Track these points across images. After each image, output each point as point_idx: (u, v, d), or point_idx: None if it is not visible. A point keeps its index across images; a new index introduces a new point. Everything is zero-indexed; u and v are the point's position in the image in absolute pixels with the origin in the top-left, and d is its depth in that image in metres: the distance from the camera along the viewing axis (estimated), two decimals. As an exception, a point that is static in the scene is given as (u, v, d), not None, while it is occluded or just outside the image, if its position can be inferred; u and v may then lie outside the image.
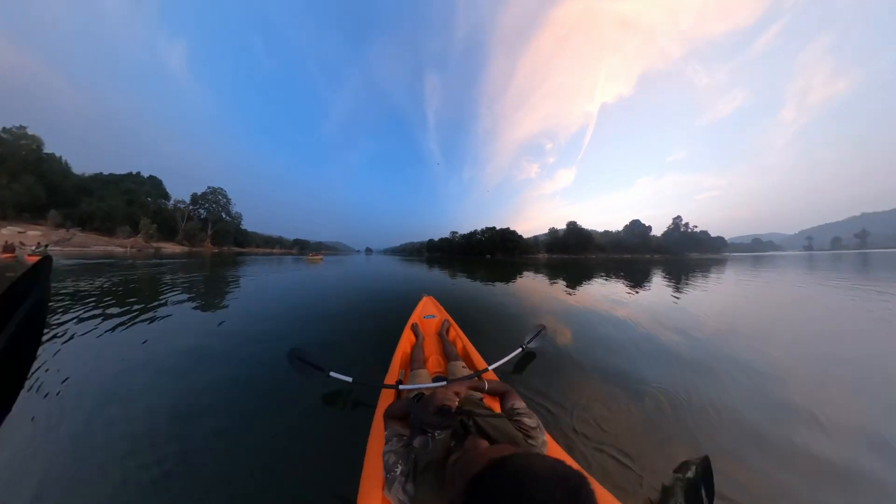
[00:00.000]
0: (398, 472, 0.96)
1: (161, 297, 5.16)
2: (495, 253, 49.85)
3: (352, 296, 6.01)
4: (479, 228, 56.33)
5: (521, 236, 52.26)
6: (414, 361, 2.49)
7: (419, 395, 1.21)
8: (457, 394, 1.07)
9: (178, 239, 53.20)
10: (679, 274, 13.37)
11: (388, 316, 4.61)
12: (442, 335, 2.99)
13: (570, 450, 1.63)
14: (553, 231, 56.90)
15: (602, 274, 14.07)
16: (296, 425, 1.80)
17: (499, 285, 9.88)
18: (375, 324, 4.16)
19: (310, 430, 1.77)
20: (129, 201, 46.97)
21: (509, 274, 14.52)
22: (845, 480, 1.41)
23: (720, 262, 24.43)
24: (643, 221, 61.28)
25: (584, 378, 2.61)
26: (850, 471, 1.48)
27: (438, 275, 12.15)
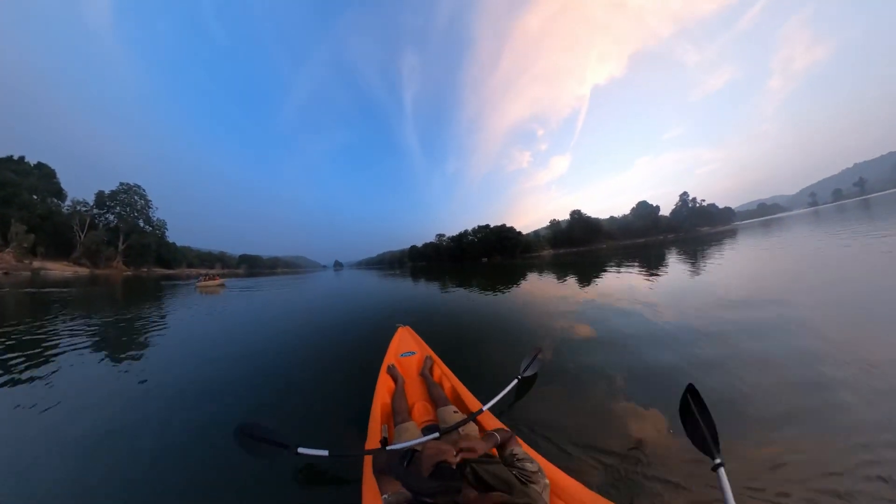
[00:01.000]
0: None
1: (40, 349, 3.90)
2: (492, 255, 44.06)
3: (311, 333, 4.91)
4: (469, 228, 48.92)
5: (519, 233, 46.31)
6: (397, 414, 2.13)
7: (410, 455, 1.08)
8: (459, 447, 0.97)
9: (74, 256, 37.21)
10: (694, 251, 13.51)
11: (358, 358, 3.81)
12: (425, 375, 2.78)
13: (579, 475, 1.47)
14: (555, 223, 51.71)
15: (614, 263, 13.61)
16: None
17: (498, 296, 8.55)
18: (344, 370, 3.45)
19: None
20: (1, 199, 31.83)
21: (510, 278, 12.75)
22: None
23: (732, 233, 23.54)
24: (649, 202, 56.35)
25: (601, 398, 2.39)
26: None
27: (424, 290, 10.66)
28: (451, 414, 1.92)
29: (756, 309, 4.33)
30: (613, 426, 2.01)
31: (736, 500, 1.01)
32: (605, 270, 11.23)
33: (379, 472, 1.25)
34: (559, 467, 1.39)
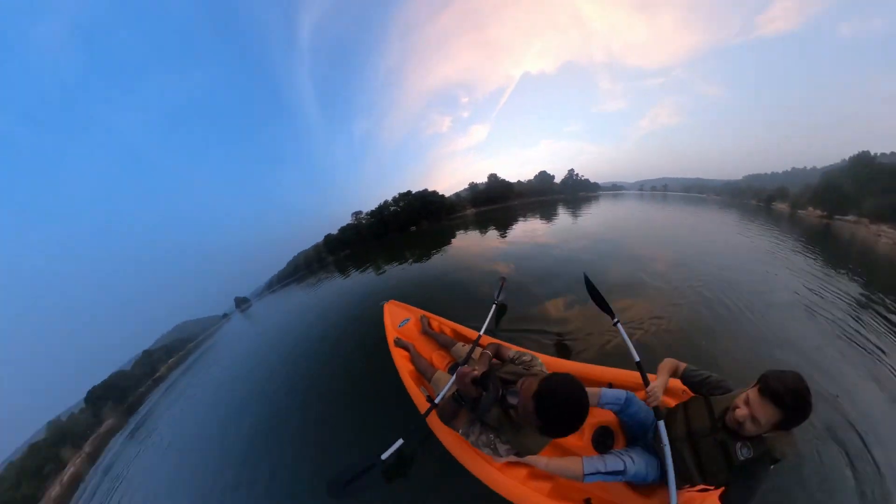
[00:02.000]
0: (491, 441, 1.31)
1: None
2: (419, 222, 40.62)
3: (311, 364, 4.67)
4: (389, 198, 43.46)
5: (443, 196, 45.11)
6: (423, 372, 2.26)
7: (456, 393, 1.41)
8: (473, 368, 1.34)
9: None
10: (574, 208, 22.06)
11: (364, 350, 3.94)
12: (427, 331, 2.95)
13: (558, 351, 2.89)
14: (474, 185, 53.87)
15: (522, 217, 20.59)
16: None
17: (438, 258, 10.31)
18: (360, 371, 3.57)
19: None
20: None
21: (443, 240, 14.33)
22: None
23: (596, 199, 34.10)
24: (548, 172, 71.87)
25: (543, 300, 4.35)
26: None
27: (365, 280, 10.13)
28: (461, 349, 2.33)
29: (602, 237, 9.16)
30: (555, 314, 3.99)
31: (628, 335, 1.97)
32: (517, 221, 17.73)
33: (447, 421, 1.48)
34: (543, 353, 2.12)
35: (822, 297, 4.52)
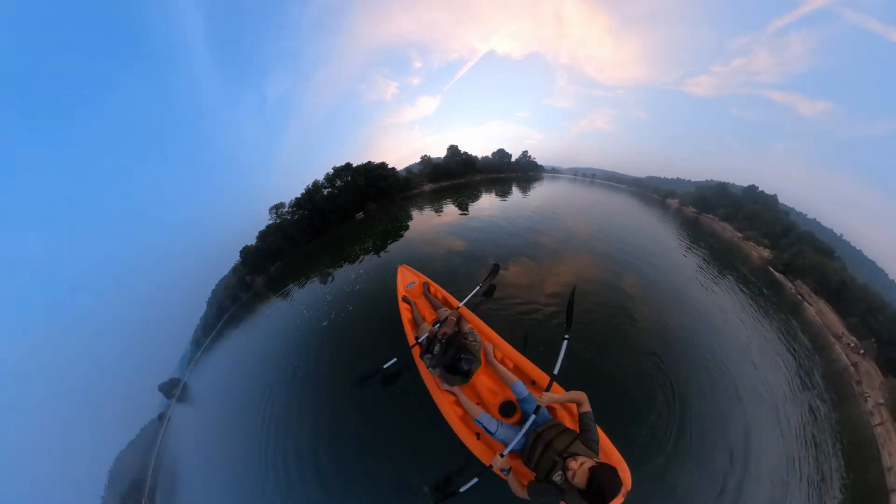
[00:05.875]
0: (439, 374, 3.31)
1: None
2: (366, 205, 29.96)
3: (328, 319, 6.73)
4: (320, 179, 30.30)
5: (394, 169, 35.34)
6: (417, 324, 3.68)
7: (429, 341, 3.32)
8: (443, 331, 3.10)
9: None
10: (526, 185, 26.29)
11: (380, 301, 5.89)
12: (427, 295, 4.32)
13: (511, 332, 4.35)
14: (427, 159, 46.33)
15: (484, 191, 23.59)
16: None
17: (399, 247, 11.41)
18: (380, 316, 5.32)
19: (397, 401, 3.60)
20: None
21: (400, 224, 15.16)
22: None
23: (540, 180, 41.32)
24: (506, 150, 73.66)
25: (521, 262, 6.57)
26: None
27: (310, 295, 8.81)
28: (444, 312, 3.54)
29: (543, 211, 10.98)
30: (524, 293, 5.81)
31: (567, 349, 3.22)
32: (478, 196, 20.01)
33: (421, 355, 3.17)
34: (497, 333, 3.75)
35: (688, 254, 8.84)
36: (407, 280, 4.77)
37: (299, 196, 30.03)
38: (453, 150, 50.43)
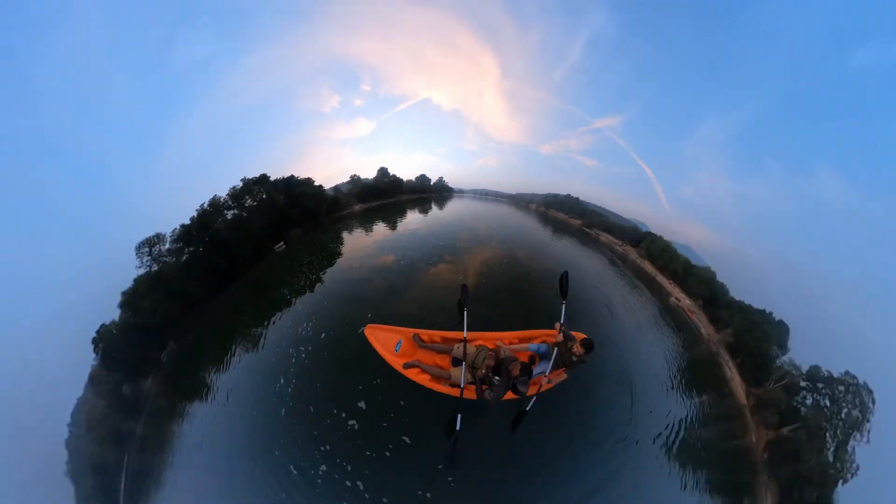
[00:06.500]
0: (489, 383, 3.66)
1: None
2: (288, 229, 23.08)
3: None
4: (223, 195, 21.01)
5: (321, 187, 30.21)
6: (439, 375, 3.06)
7: (487, 378, 3.29)
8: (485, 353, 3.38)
9: None
10: (443, 202, 33.85)
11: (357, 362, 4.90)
12: (424, 346, 3.63)
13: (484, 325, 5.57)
14: (356, 178, 44.49)
15: (410, 209, 28.91)
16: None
17: (340, 277, 9.70)
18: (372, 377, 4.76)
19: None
20: None
21: (333, 250, 15.09)
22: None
23: (453, 197, 49.27)
24: (427, 175, 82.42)
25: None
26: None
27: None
28: (459, 350, 3.30)
29: (454, 220, 25.13)
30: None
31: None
32: (405, 214, 27.04)
33: (479, 395, 3.34)
34: (491, 328, 4.63)
35: (545, 231, 18.11)
36: (388, 341, 3.86)
37: (189, 222, 18.49)
38: (383, 171, 48.28)
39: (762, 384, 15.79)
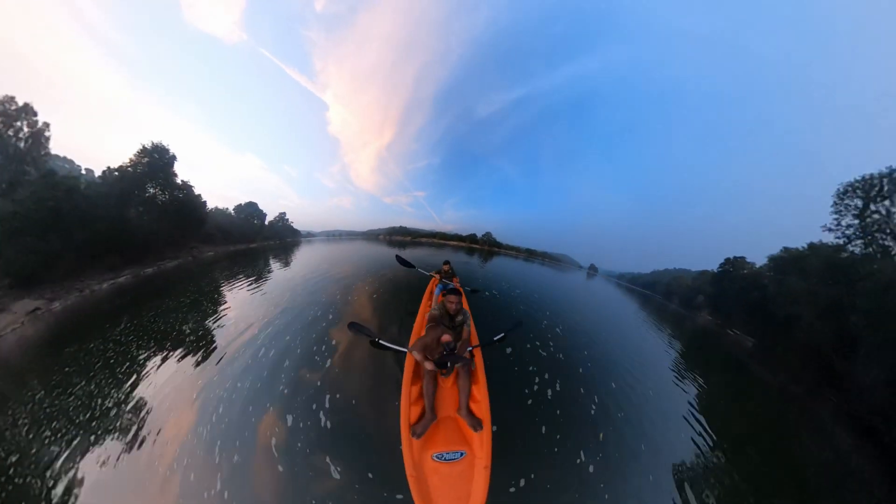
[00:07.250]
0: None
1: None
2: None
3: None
4: None
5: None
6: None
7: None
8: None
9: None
10: (288, 253, 25.91)
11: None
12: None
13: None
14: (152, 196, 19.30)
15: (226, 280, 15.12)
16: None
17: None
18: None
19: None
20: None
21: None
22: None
23: (300, 243, 43.85)
24: (258, 205, 59.50)
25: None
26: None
27: None
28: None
29: (314, 273, 15.11)
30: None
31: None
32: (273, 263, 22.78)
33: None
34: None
35: (391, 252, 25.29)
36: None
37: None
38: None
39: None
